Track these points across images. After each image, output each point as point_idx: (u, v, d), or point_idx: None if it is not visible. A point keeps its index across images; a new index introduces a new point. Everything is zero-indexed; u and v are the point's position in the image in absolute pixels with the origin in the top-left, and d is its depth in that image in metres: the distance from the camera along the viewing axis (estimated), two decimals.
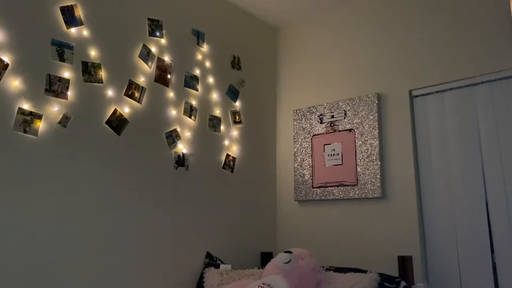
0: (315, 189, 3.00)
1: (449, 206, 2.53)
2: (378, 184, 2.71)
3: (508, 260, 2.29)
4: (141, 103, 2.42)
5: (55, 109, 2.05)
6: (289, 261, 2.29)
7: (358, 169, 2.81)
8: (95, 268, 2.08)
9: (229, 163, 2.90)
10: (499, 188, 2.37)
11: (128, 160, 2.31)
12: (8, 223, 1.83)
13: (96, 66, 2.23)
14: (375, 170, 2.74)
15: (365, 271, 2.40)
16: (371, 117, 2.82)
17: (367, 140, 2.81)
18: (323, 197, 2.94)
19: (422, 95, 2.71)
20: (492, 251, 2.37)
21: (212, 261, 2.63)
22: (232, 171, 2.91)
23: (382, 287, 2.26)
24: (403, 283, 2.27)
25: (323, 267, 2.46)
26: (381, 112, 2.82)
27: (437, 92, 2.65)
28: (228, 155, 2.90)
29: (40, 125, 1.99)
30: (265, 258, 2.81)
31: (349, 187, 2.83)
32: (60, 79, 2.08)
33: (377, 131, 2.78)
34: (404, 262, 2.35)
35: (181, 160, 2.58)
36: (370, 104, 2.83)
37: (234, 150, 2.95)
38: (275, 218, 3.20)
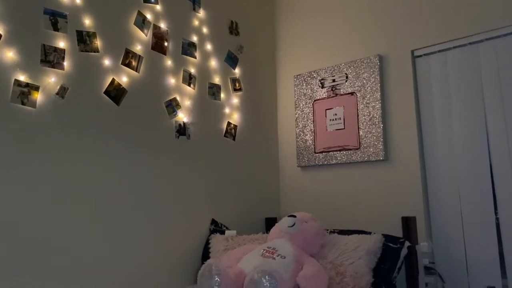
0: (317, 154, 2.99)
1: (452, 167, 2.52)
2: (380, 147, 2.70)
3: (511, 218, 2.30)
4: (138, 72, 2.38)
5: (52, 80, 2.02)
6: (293, 225, 2.31)
7: (361, 133, 2.79)
8: (97, 238, 2.10)
9: (231, 131, 2.89)
10: (503, 148, 2.35)
11: (128, 130, 2.29)
12: (7, 195, 1.84)
13: (91, 35, 2.19)
14: (378, 133, 2.72)
15: (369, 233, 2.42)
16: (373, 80, 2.77)
17: (369, 103, 2.78)
18: (325, 162, 2.94)
19: (424, 54, 2.66)
20: (496, 211, 2.38)
21: (217, 228, 2.66)
22: (234, 139, 2.90)
23: (386, 247, 2.28)
24: (407, 243, 2.29)
25: (327, 230, 2.48)
26: (383, 74, 2.78)
27: (439, 51, 2.60)
28: (229, 123, 2.88)
29: (38, 97, 1.97)
30: (270, 223, 2.84)
31: (351, 151, 2.82)
32: (55, 49, 2.05)
33: (379, 94, 2.74)
34: (408, 223, 2.37)
35: (182, 129, 2.56)
36: (372, 66, 2.79)
37: (235, 118, 2.93)
38: (278, 184, 3.22)
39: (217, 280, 2.05)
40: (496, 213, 2.37)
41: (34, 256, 1.86)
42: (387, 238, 2.32)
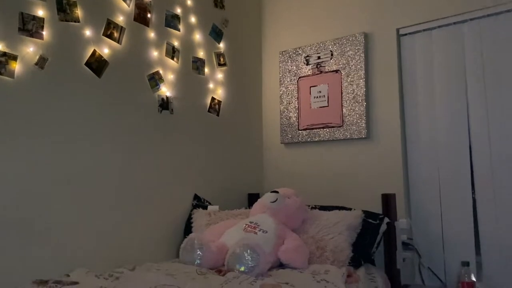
0: (301, 131, 3.00)
1: (433, 146, 2.56)
2: (363, 125, 2.72)
3: (487, 198, 2.36)
4: (120, 44, 2.33)
5: (30, 49, 1.96)
6: (276, 200, 2.33)
7: (344, 111, 2.81)
8: (77, 211, 2.08)
9: (215, 107, 2.87)
10: (483, 130, 2.39)
11: (110, 103, 2.25)
12: None
13: (72, 4, 2.12)
14: (361, 111, 2.74)
15: (350, 209, 2.47)
16: (358, 58, 2.77)
17: (353, 81, 2.78)
18: (309, 139, 2.96)
19: (409, 33, 2.66)
20: (473, 191, 2.43)
21: (199, 203, 2.66)
22: (217, 115, 2.88)
23: (366, 223, 2.33)
24: (386, 219, 2.34)
25: (309, 206, 2.52)
26: (368, 52, 2.77)
27: (424, 30, 2.60)
28: (213, 99, 2.86)
29: (16, 67, 1.91)
30: (252, 199, 2.85)
31: (334, 128, 2.84)
32: (34, 17, 1.98)
33: (363, 72, 2.75)
34: (388, 200, 2.41)
35: (165, 104, 2.53)
36: (357, 44, 2.78)
37: (219, 93, 2.91)
38: (261, 160, 3.23)
39: (199, 253, 2.07)
40: (473, 193, 2.43)
41: (14, 227, 1.84)
42: (367, 214, 2.36)
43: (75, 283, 1.71)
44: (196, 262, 2.05)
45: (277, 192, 2.39)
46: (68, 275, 1.83)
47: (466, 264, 2.06)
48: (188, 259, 2.09)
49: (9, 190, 1.86)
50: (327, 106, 2.89)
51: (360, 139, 2.75)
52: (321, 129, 2.90)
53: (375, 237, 2.32)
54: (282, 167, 3.11)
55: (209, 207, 2.63)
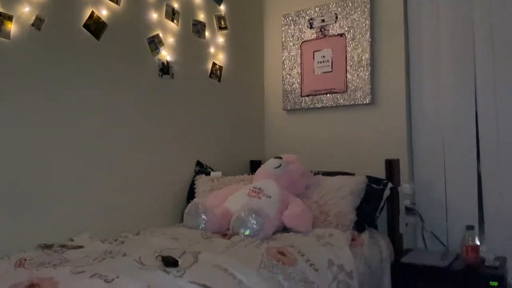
0: (303, 98, 2.95)
1: (438, 113, 2.53)
2: (367, 91, 2.68)
3: (493, 169, 2.34)
4: (119, 5, 2.24)
5: (26, 9, 1.89)
6: (279, 166, 2.32)
7: (348, 76, 2.75)
8: (78, 178, 2.06)
9: (216, 72, 2.81)
10: (490, 99, 2.35)
11: (109, 67, 2.19)
12: None
13: None
14: (365, 76, 2.69)
15: (353, 174, 2.46)
16: (363, 21, 2.70)
17: (358, 45, 2.72)
18: (312, 106, 2.91)
19: None
20: (478, 159, 2.41)
21: (202, 169, 2.64)
22: (219, 80, 2.83)
23: (369, 188, 2.32)
24: (389, 185, 2.33)
25: (312, 172, 2.50)
26: (374, 15, 2.69)
27: None
28: (214, 64, 2.79)
29: (12, 27, 1.84)
30: (254, 166, 2.84)
31: (338, 94, 2.79)
32: None
33: (369, 35, 2.68)
34: (391, 165, 2.40)
35: (165, 68, 2.47)
36: (363, 7, 2.70)
37: (220, 58, 2.84)
38: (263, 127, 3.19)
39: (203, 218, 2.06)
40: (478, 161, 2.41)
41: (18, 193, 1.82)
42: (371, 179, 2.35)
43: (80, 246, 1.70)
44: (200, 227, 2.05)
45: (280, 158, 2.37)
46: (72, 240, 1.83)
47: (471, 227, 2.07)
48: (192, 224, 2.08)
49: (10, 155, 1.82)
50: (331, 71, 2.83)
51: (365, 105, 2.71)
52: (325, 95, 2.85)
53: (379, 202, 2.31)
54: (285, 134, 3.08)
55: (212, 173, 2.62)
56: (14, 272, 1.37)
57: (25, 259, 1.49)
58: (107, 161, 2.17)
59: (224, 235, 1.95)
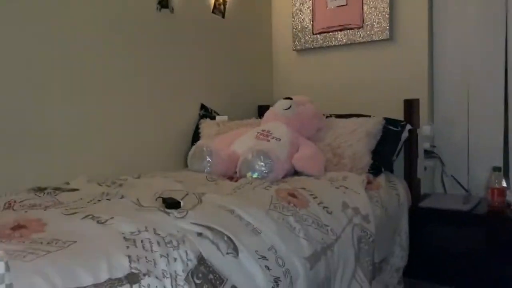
0: (315, 36, 2.73)
1: (463, 51, 2.33)
2: (386, 25, 2.45)
3: None
4: None
5: None
6: (289, 107, 2.16)
7: (365, 9, 2.52)
8: (80, 118, 1.92)
9: (219, 7, 2.59)
10: None
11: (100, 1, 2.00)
12: None
13: None
14: (384, 9, 2.45)
15: (369, 116, 2.29)
16: None
17: None
18: (324, 44, 2.70)
19: None
20: (506, 103, 2.22)
21: (207, 113, 2.49)
22: (223, 16, 2.61)
23: (386, 130, 2.16)
24: (408, 126, 2.17)
25: (324, 114, 2.34)
26: None
27: None
28: None
29: None
30: (263, 110, 2.66)
31: (353, 30, 2.57)
32: None
33: None
34: (410, 106, 2.22)
35: (164, 0, 2.26)
36: None
37: None
38: (271, 69, 3.00)
39: (208, 160, 1.93)
40: (506, 100, 2.22)
41: (10, 131, 1.69)
42: (388, 121, 2.19)
43: (75, 190, 1.58)
44: (205, 170, 1.92)
45: (290, 98, 2.20)
46: (68, 183, 1.71)
47: (497, 169, 1.92)
48: (197, 167, 1.96)
49: (6, 93, 1.68)
50: (346, 4, 2.59)
51: (382, 41, 2.49)
52: (339, 32, 2.63)
53: (396, 145, 2.16)
54: (295, 76, 2.89)
55: (217, 117, 2.47)
56: (1, 213, 1.25)
57: (14, 201, 1.38)
58: (108, 103, 2.03)
59: (231, 178, 1.82)
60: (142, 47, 2.17)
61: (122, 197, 1.45)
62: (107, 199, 1.43)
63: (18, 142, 1.72)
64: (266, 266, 1.22)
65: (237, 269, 1.16)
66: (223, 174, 1.90)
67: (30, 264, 0.88)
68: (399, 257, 1.96)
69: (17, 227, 1.11)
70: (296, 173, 1.97)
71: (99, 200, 1.41)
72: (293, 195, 1.56)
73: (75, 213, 1.23)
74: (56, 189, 1.57)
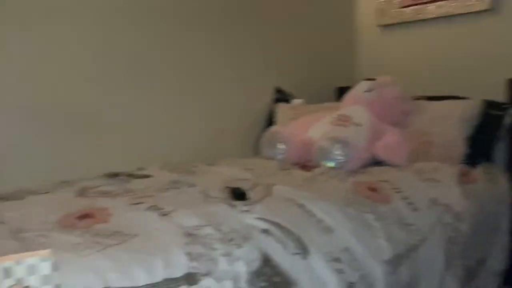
0: (403, 9, 2.48)
1: None
2: None
3: None
4: None
5: None
6: (372, 90, 1.97)
7: None
8: (151, 105, 1.94)
9: None
10: None
11: None
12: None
13: None
14: None
15: (465, 98, 2.02)
16: None
17: None
18: (413, 18, 2.44)
19: None
20: None
21: (282, 96, 2.39)
22: None
23: (485, 114, 1.90)
24: (511, 110, 1.88)
25: (412, 97, 2.11)
26: None
27: None
28: None
29: None
30: (342, 92, 2.49)
31: (447, 1, 2.28)
32: None
33: None
34: None
35: None
36: None
37: None
38: (353, 47, 2.79)
39: (281, 148, 1.83)
40: None
41: (85, 119, 1.75)
42: (487, 103, 1.92)
43: (147, 176, 1.58)
44: (278, 157, 1.83)
45: (373, 80, 2.01)
46: (141, 169, 1.72)
47: None
48: (269, 154, 1.88)
49: (82, 81, 1.74)
50: None
51: (482, 12, 2.18)
52: (430, 4, 2.35)
53: (497, 131, 1.89)
54: (379, 55, 2.66)
55: (293, 101, 2.35)
56: (72, 201, 1.27)
57: (88, 187, 1.40)
58: (180, 90, 2.03)
59: (304, 167, 1.70)
60: (213, 30, 2.12)
61: (191, 186, 1.42)
62: (176, 188, 1.40)
63: (95, 130, 1.79)
64: (339, 269, 1.10)
65: (306, 272, 1.05)
66: (297, 162, 1.79)
67: (85, 259, 0.85)
68: (497, 260, 1.72)
69: (83, 216, 1.11)
70: (377, 163, 1.80)
71: (167, 189, 1.39)
72: (373, 189, 1.41)
73: (141, 203, 1.20)
74: (129, 175, 1.58)
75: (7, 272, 0.63)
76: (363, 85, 2.02)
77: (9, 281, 0.63)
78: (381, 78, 2.06)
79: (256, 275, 0.98)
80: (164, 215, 1.10)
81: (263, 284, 0.97)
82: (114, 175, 1.59)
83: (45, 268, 0.67)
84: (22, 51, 1.63)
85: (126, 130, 1.86)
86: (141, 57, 1.90)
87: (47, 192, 1.36)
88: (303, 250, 1.07)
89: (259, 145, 2.00)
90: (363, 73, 2.73)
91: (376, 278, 1.16)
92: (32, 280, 0.65)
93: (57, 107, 1.70)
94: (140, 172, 1.64)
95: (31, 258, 0.66)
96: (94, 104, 1.78)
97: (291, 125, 2.06)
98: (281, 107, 2.31)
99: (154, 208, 1.14)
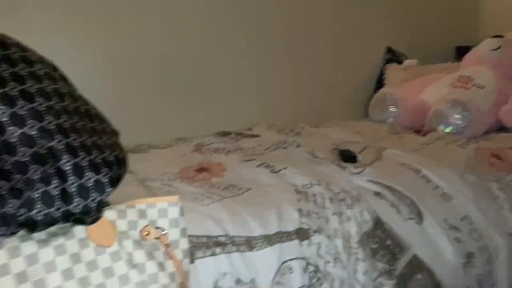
0: None
1: None
2: None
3: None
4: None
5: None
6: (498, 48, 1.78)
7: None
8: (259, 65, 1.95)
9: None
10: None
11: None
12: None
13: None
14: None
15: None
16: None
17: None
18: None
19: None
20: None
21: (393, 57, 2.25)
22: None
23: None
24: None
25: None
26: None
27: None
28: None
29: None
30: (461, 52, 2.28)
31: None
32: None
33: None
34: None
35: None
36: None
37: None
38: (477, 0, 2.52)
39: (392, 110, 1.75)
40: None
41: (199, 82, 1.83)
42: None
43: (256, 135, 1.62)
44: (388, 121, 1.75)
45: (501, 36, 1.80)
46: (250, 129, 1.77)
47: None
48: (378, 118, 1.80)
49: (198, 44, 1.81)
50: None
51: None
52: None
53: None
54: (509, 8, 2.36)
55: (406, 61, 2.21)
56: (189, 155, 1.36)
57: (202, 144, 1.48)
58: (286, 50, 2.00)
59: (418, 132, 1.61)
60: None
61: (298, 146, 1.42)
62: (283, 148, 1.42)
63: (206, 91, 1.85)
64: (456, 238, 1.04)
65: (421, 237, 1.01)
66: (409, 126, 1.70)
67: (206, 208, 0.91)
68: None
69: (201, 169, 1.18)
70: (502, 129, 1.63)
71: (276, 148, 1.41)
72: (498, 157, 1.29)
73: (252, 160, 1.24)
74: (239, 134, 1.64)
75: (142, 213, 0.70)
76: (489, 42, 1.82)
77: (144, 222, 0.70)
78: (510, 34, 1.84)
79: (367, 236, 0.96)
80: (275, 172, 1.12)
81: (374, 246, 0.96)
82: (225, 133, 1.66)
83: (174, 212, 0.72)
84: (146, 21, 1.75)
85: (236, 93, 1.91)
86: (249, 21, 1.91)
87: (167, 147, 1.47)
88: (417, 216, 1.03)
89: (368, 108, 1.93)
90: (488, 30, 2.45)
91: (499, 251, 1.07)
92: (162, 222, 0.71)
93: (177, 74, 1.80)
94: (249, 132, 1.69)
95: (161, 203, 0.72)
96: (208, 70, 1.85)
97: (403, 87, 1.95)
98: (392, 68, 2.18)
99: (265, 165, 1.17)
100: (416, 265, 0.96)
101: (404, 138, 1.51)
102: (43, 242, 0.59)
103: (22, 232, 0.58)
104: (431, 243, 1.01)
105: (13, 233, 0.57)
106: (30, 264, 0.57)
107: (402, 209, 1.02)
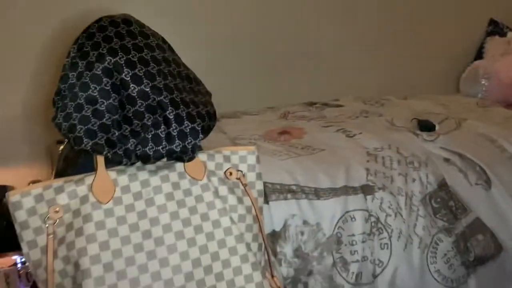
0: None
1: None
2: None
3: None
4: None
5: None
6: None
7: None
8: (350, 44, 2.00)
9: None
10: None
11: None
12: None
13: None
14: None
15: None
16: None
17: None
18: None
19: None
20: None
21: (496, 29, 2.13)
22: None
23: None
24: None
25: None
26: None
27: None
28: None
29: None
30: None
31: None
32: None
33: None
34: None
35: None
36: None
37: None
38: None
39: (484, 84, 1.71)
40: None
41: (285, 55, 1.95)
42: None
43: (340, 106, 1.71)
44: (479, 95, 1.71)
45: None
46: (337, 100, 1.86)
47: None
48: (469, 91, 1.77)
49: (288, 22, 1.92)
50: None
51: None
52: None
53: None
54: None
55: (509, 33, 2.08)
56: (276, 121, 1.51)
57: (288, 112, 1.62)
58: (379, 22, 2.02)
59: (509, 106, 1.56)
60: None
61: (380, 115, 1.49)
62: (364, 117, 1.49)
63: (296, 64, 1.96)
64: None
65: (487, 203, 1.04)
66: (501, 101, 1.64)
67: (282, 162, 1.05)
68: None
69: (283, 132, 1.32)
70: None
71: (357, 117, 1.50)
72: None
73: (331, 126, 1.35)
74: (324, 104, 1.74)
75: (227, 158, 0.87)
76: None
77: (228, 165, 0.86)
78: None
79: (430, 196, 1.03)
80: (350, 136, 1.22)
81: (436, 205, 1.02)
82: (312, 103, 1.77)
83: (252, 159, 0.88)
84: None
85: (323, 64, 1.98)
86: None
87: (257, 114, 1.64)
88: (486, 182, 1.06)
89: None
90: None
91: None
92: (242, 167, 0.88)
93: (269, 45, 1.93)
94: (335, 102, 1.78)
95: (242, 151, 0.88)
96: (300, 43, 1.94)
97: (501, 62, 1.86)
98: (494, 41, 2.08)
99: (342, 131, 1.28)
100: (479, 226, 1.01)
101: (491, 112, 1.48)
102: (153, 172, 0.79)
103: (138, 164, 0.78)
104: (498, 209, 1.04)
105: (132, 164, 0.78)
106: (143, 186, 0.78)
107: (470, 175, 1.06)
